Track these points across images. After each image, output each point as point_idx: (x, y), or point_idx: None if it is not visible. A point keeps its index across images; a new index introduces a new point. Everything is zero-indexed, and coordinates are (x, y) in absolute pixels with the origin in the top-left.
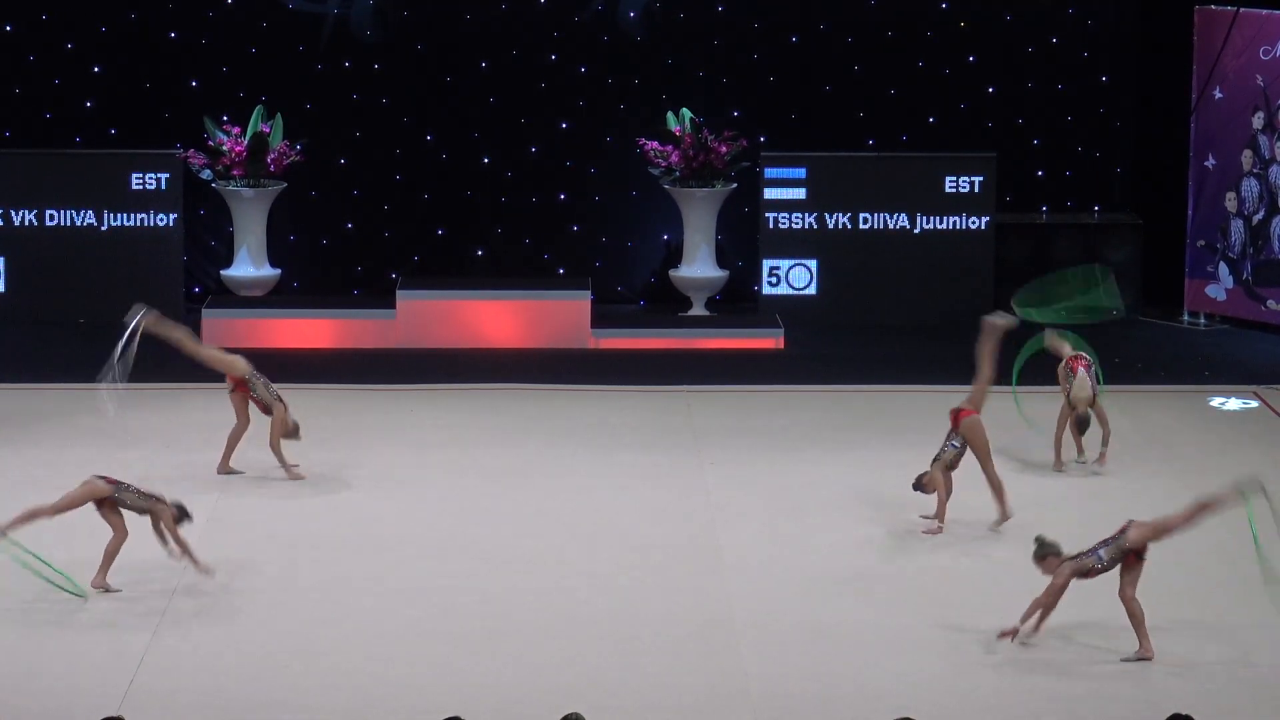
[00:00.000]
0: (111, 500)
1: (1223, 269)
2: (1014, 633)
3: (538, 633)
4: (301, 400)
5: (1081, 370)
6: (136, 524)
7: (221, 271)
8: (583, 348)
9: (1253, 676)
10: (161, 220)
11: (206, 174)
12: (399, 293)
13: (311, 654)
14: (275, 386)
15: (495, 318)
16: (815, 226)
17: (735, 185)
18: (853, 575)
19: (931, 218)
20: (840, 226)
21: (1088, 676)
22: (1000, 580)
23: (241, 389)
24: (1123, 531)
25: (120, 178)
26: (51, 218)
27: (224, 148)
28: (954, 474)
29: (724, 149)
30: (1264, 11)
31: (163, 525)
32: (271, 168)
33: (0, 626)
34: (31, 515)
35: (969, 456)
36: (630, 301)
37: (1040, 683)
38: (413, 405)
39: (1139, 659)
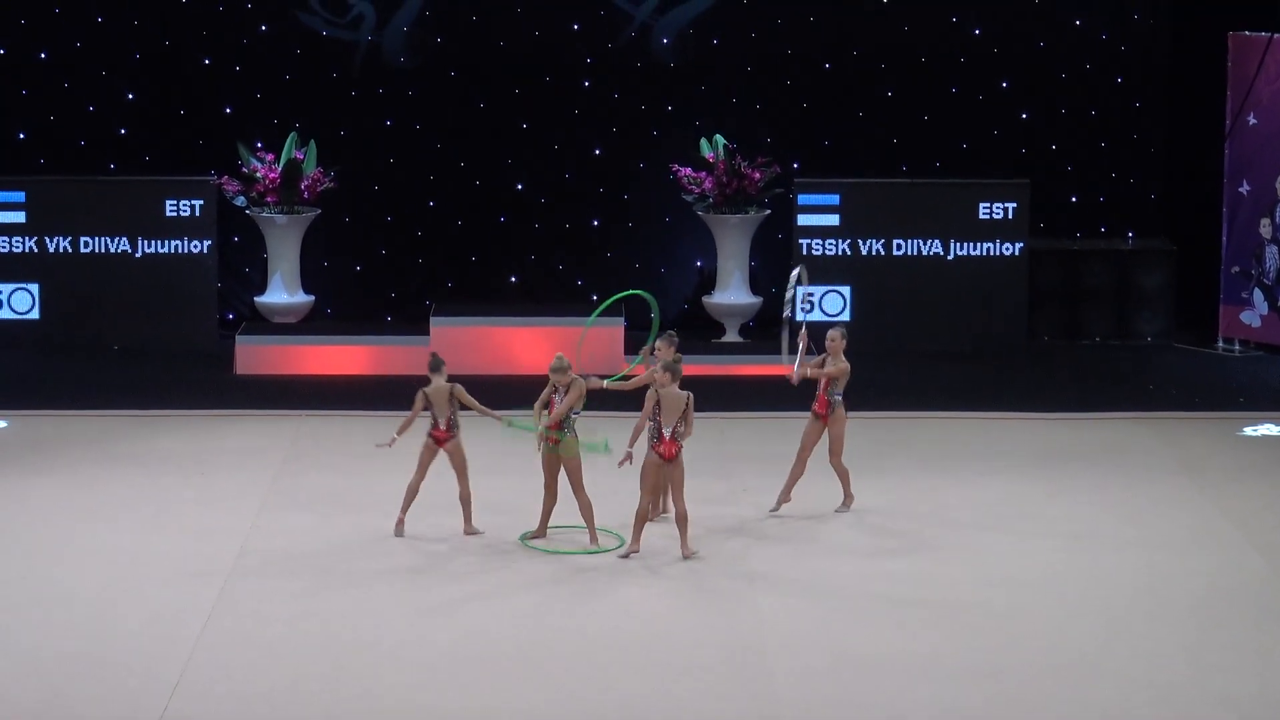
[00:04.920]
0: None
1: (1257, 295)
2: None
3: (570, 657)
4: (335, 427)
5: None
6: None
7: (255, 298)
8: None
9: None
10: (195, 247)
11: (240, 200)
12: (433, 319)
13: (343, 679)
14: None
15: (529, 344)
16: (849, 253)
17: (769, 211)
18: (884, 602)
19: (965, 244)
20: (874, 253)
21: (1121, 703)
22: (1030, 609)
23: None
24: None
25: (155, 204)
26: (86, 244)
27: (258, 174)
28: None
29: (757, 175)
30: None
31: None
32: (305, 194)
33: (31, 640)
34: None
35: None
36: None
37: (1072, 711)
38: None
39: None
